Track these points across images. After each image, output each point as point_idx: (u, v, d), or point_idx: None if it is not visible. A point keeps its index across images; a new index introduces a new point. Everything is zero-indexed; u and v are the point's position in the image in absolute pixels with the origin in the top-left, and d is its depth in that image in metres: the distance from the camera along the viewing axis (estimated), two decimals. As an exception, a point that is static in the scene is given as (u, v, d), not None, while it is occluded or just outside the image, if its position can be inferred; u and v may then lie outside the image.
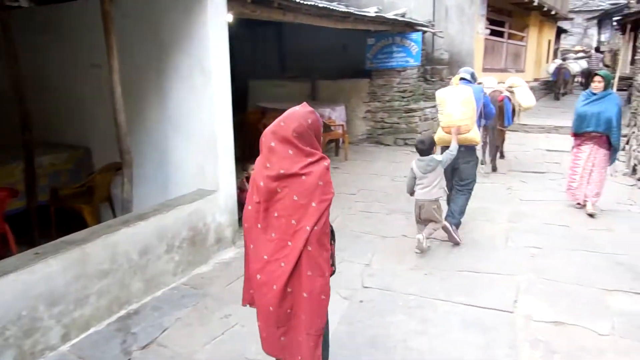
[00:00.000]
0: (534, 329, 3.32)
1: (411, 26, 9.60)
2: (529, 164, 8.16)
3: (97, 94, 5.13)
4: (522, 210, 5.81)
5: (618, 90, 7.43)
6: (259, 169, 2.28)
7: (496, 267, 4.27)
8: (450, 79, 10.42)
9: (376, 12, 8.35)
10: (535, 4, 14.36)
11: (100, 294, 3.45)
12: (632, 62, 14.24)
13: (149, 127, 4.94)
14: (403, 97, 9.94)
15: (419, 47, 9.69)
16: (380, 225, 5.39)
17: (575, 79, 20.95)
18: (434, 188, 4.50)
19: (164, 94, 4.76)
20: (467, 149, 4.76)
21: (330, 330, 2.61)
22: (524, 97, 7.83)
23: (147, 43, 4.70)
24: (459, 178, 4.87)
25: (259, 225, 2.27)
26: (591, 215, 5.46)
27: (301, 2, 5.60)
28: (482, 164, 7.57)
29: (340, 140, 8.93)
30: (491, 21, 13.23)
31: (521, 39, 16.38)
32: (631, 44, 15.27)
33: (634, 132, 8.15)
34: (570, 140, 5.90)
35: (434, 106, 10.19)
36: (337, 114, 9.19)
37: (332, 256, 2.39)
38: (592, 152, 5.52)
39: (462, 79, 4.96)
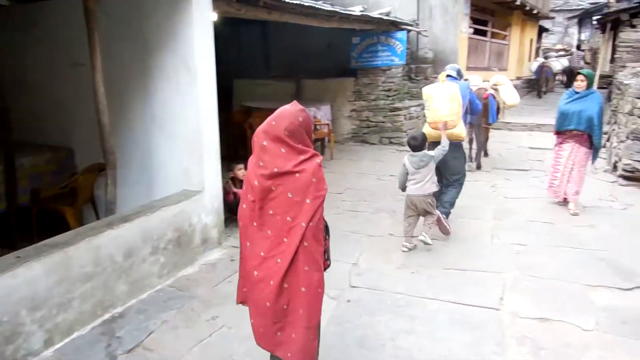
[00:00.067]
0: (520, 326, 3.36)
1: (396, 25, 9.63)
2: (513, 162, 8.25)
3: (79, 93, 5.03)
4: (506, 207, 5.87)
5: (598, 88, 7.55)
6: (252, 168, 2.31)
7: (482, 265, 4.30)
8: (434, 77, 10.49)
9: (361, 11, 8.35)
10: (518, 3, 14.52)
11: (84, 298, 3.39)
12: (612, 60, 14.47)
13: (133, 127, 4.87)
14: (388, 96, 9.97)
15: (404, 46, 9.72)
16: (366, 224, 5.40)
17: (557, 77, 21.23)
18: (427, 183, 4.54)
19: (149, 93, 4.70)
20: (453, 145, 4.82)
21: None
22: (509, 95, 7.92)
23: (130, 42, 4.63)
24: (450, 173, 4.99)
25: (255, 224, 2.30)
26: (574, 214, 5.53)
27: (287, 0, 5.57)
28: (470, 161, 7.65)
29: (326, 139, 8.93)
30: (475, 20, 13.35)
31: (504, 37, 16.54)
32: (611, 43, 15.52)
33: (614, 130, 8.28)
34: (552, 138, 5.97)
35: (419, 105, 10.30)
36: (322, 113, 9.18)
37: (327, 251, 2.46)
38: (574, 151, 5.58)
39: (448, 75, 5.06)
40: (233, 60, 10.32)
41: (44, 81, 5.51)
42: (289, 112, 2.26)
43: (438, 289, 3.89)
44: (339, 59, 10.30)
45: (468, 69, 12.44)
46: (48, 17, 5.23)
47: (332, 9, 7.07)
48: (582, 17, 29.51)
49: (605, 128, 7.51)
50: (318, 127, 8.52)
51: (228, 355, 3.11)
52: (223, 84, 5.10)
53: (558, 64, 19.25)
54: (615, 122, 8.49)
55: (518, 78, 17.81)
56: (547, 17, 21.64)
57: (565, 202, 5.75)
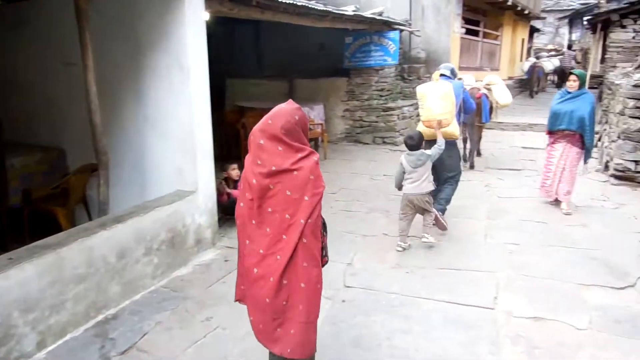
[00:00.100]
0: (514, 325, 3.37)
1: (388, 25, 9.64)
2: (506, 161, 8.29)
3: (71, 93, 5.00)
4: (500, 207, 5.89)
5: (589, 88, 7.58)
6: (249, 167, 2.32)
7: (476, 264, 4.31)
8: (427, 77, 10.53)
9: (354, 11, 8.34)
10: (509, 3, 14.60)
11: (77, 299, 3.36)
12: (603, 60, 14.60)
13: (126, 127, 4.84)
14: (381, 96, 9.98)
15: (397, 45, 9.74)
16: (360, 224, 5.40)
17: (549, 77, 21.37)
18: (424, 182, 4.57)
19: (141, 93, 4.66)
20: (448, 143, 4.86)
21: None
22: (501, 94, 7.97)
23: (122, 41, 4.60)
24: (446, 171, 5.06)
25: (254, 221, 2.32)
26: (567, 214, 5.56)
27: (279, 0, 5.56)
28: (464, 160, 7.68)
29: (319, 139, 8.92)
30: (467, 20, 13.41)
31: (496, 37, 16.63)
32: (601, 43, 15.65)
33: (605, 129, 8.35)
34: (545, 137, 6.01)
35: (412, 104, 10.33)
36: (315, 113, 9.18)
37: (325, 247, 2.50)
38: (565, 150, 5.61)
39: (442, 74, 5.12)
40: (226, 59, 10.28)
41: (35, 81, 5.46)
42: (285, 110, 2.28)
43: (432, 288, 3.90)
44: (332, 58, 10.30)
45: (460, 69, 12.48)
46: (40, 16, 5.18)
47: (324, 8, 7.06)
48: (573, 18, 29.75)
49: (597, 128, 7.56)
50: (311, 127, 8.52)
51: (223, 356, 3.09)
52: (216, 83, 5.08)
53: (549, 64, 19.39)
54: (606, 122, 8.56)
55: (510, 78, 17.92)
56: (538, 18, 21.79)
57: (557, 201, 5.79)
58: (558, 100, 5.59)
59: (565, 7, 30.94)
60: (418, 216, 4.74)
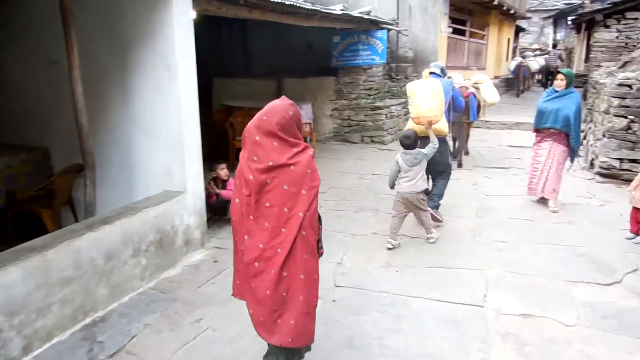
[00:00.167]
0: (504, 322, 3.39)
1: (376, 24, 9.65)
2: (493, 160, 8.36)
3: (56, 92, 4.91)
4: (488, 205, 5.94)
5: (574, 87, 7.66)
6: (244, 163, 2.36)
7: (465, 262, 4.34)
8: (415, 76, 10.59)
9: (341, 10, 8.35)
10: (495, 3, 14.71)
11: (64, 302, 3.31)
12: (587, 59, 14.77)
13: (112, 126, 4.77)
14: (369, 95, 9.99)
15: (384, 45, 9.75)
16: (350, 223, 5.40)
17: (535, 77, 21.60)
18: (419, 180, 4.61)
19: (128, 92, 4.60)
20: (437, 139, 4.86)
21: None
22: (489, 93, 8.04)
23: (108, 40, 4.53)
24: (437, 167, 5.14)
25: (251, 217, 2.36)
26: (554, 211, 5.62)
27: (267, -1, 5.54)
28: (453, 159, 7.72)
29: (308, 138, 8.89)
30: (453, 20, 13.48)
31: (482, 37, 16.75)
32: (585, 43, 15.84)
33: (590, 128, 8.45)
34: (531, 136, 6.06)
35: (400, 103, 10.36)
36: (304, 112, 9.14)
37: (320, 239, 2.56)
38: (552, 149, 5.66)
39: (432, 73, 5.15)
40: (213, 59, 10.21)
41: (19, 80, 5.36)
42: (279, 106, 2.33)
43: (422, 287, 3.91)
44: (320, 58, 10.28)
45: (447, 68, 12.40)
46: (24, 14, 5.09)
47: (312, 7, 7.05)
48: (557, 18, 30.10)
49: (582, 126, 7.66)
50: (300, 126, 8.49)
51: (214, 358, 3.07)
52: (202, 83, 5.03)
53: (535, 63, 19.60)
54: (591, 121, 8.67)
55: (496, 77, 18.07)
56: (523, 17, 22.00)
57: (544, 199, 5.84)
58: (545, 99, 5.64)
59: (549, 7, 31.29)
60: (410, 215, 4.76)
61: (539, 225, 5.22)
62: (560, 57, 20.40)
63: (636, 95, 6.47)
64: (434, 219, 5.04)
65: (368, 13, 9.39)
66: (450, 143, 7.49)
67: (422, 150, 4.62)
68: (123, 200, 4.57)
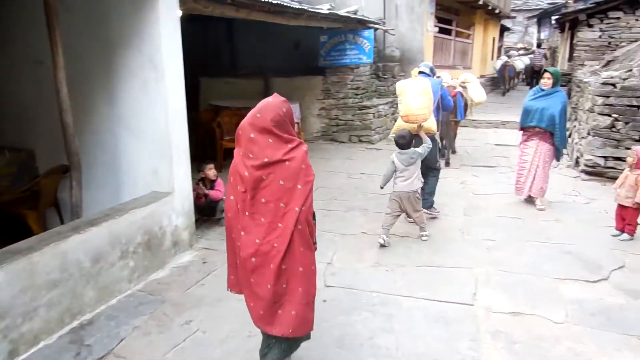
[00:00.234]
0: (494, 321, 3.41)
1: (363, 23, 9.67)
2: (480, 159, 8.42)
3: (40, 92, 4.83)
4: (476, 203, 5.97)
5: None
6: (239, 160, 2.39)
7: (454, 261, 4.36)
8: (402, 75, 10.62)
9: (328, 9, 8.34)
10: (481, 2, 14.83)
11: (50, 306, 3.25)
12: (570, 58, 14.95)
13: (98, 127, 4.70)
14: (357, 94, 10.00)
15: (371, 44, 9.77)
16: (339, 222, 5.39)
17: (521, 76, 21.82)
18: (415, 180, 4.66)
19: (114, 92, 4.54)
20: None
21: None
22: (476, 92, 8.11)
23: (93, 39, 4.46)
24: (427, 164, 5.17)
25: (247, 213, 2.39)
26: (541, 209, 5.67)
27: (255, -2, 5.51)
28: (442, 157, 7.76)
29: (296, 137, 8.88)
30: (439, 19, 13.55)
31: (468, 36, 16.87)
32: (569, 42, 16.03)
33: (575, 126, 8.55)
34: (518, 134, 6.11)
35: (387, 103, 10.39)
36: (291, 112, 9.13)
37: (314, 235, 2.58)
38: (538, 148, 5.70)
39: (421, 72, 5.19)
40: (199, 58, 10.14)
41: (3, 80, 5.26)
42: (272, 104, 2.38)
43: (412, 286, 3.91)
44: (307, 57, 10.27)
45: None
46: (8, 13, 4.99)
47: (299, 7, 7.03)
48: (541, 17, 30.43)
49: (567, 124, 7.75)
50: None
51: (204, 359, 3.04)
52: (189, 82, 4.99)
53: (520, 62, 19.80)
54: (576, 119, 8.77)
55: (482, 76, 18.21)
56: (508, 17, 22.22)
57: (530, 197, 5.88)
58: (531, 97, 5.69)
59: (533, 7, 31.64)
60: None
61: (526, 223, 5.27)
62: (545, 56, 20.64)
63: (620, 93, 6.56)
64: (432, 216, 5.15)
65: (355, 12, 9.40)
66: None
67: (417, 149, 4.66)
68: (110, 201, 4.52)
